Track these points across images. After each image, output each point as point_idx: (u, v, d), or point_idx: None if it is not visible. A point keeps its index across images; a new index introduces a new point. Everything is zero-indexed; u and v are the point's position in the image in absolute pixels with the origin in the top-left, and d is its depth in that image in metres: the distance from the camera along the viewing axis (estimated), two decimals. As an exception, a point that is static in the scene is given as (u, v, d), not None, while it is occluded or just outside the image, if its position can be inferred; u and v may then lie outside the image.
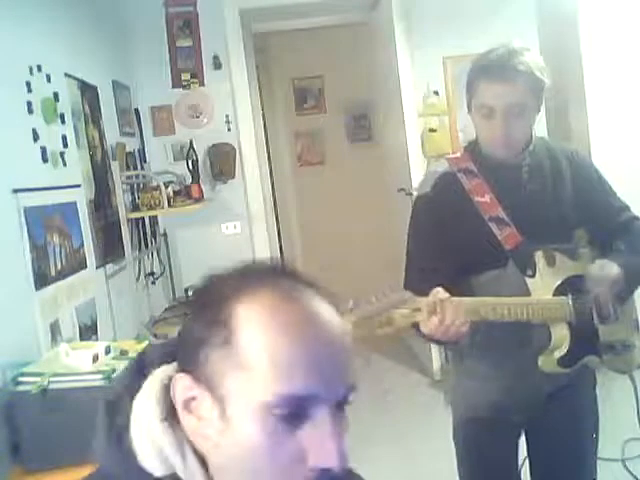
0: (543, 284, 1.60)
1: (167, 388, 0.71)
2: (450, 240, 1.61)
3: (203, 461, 0.69)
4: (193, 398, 0.68)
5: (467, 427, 1.79)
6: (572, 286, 1.61)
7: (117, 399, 0.73)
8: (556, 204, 1.65)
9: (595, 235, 1.71)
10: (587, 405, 1.79)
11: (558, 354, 1.61)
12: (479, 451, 1.78)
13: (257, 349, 0.65)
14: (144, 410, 0.71)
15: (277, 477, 0.65)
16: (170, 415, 0.70)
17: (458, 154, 1.73)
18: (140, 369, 0.75)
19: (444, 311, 1.42)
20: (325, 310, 0.69)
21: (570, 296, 1.60)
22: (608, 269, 1.60)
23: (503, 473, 1.80)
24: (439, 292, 1.44)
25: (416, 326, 1.48)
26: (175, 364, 0.74)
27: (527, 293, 1.60)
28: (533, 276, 1.60)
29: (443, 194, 1.66)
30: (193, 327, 0.69)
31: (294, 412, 0.64)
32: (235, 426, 0.65)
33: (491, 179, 1.64)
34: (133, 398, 0.72)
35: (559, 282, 1.61)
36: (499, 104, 1.54)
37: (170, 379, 0.71)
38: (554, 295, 1.61)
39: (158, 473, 0.68)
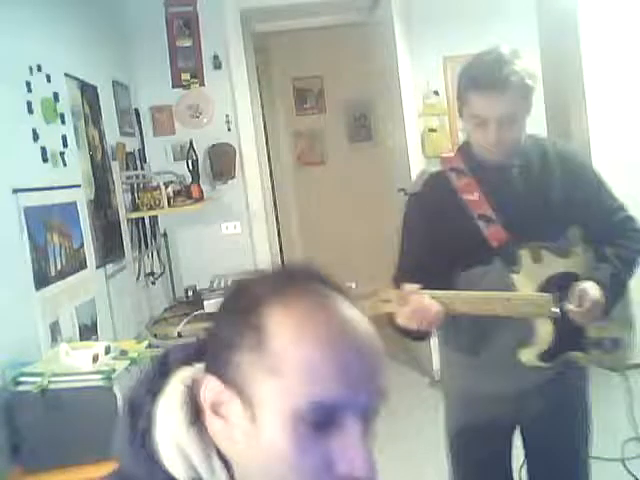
0: (527, 280, 1.63)
1: (191, 390, 0.71)
2: (439, 237, 1.65)
3: (228, 465, 0.68)
4: (222, 401, 0.67)
5: (456, 425, 1.82)
6: (560, 283, 1.63)
7: (139, 400, 0.72)
8: (546, 202, 1.66)
9: (588, 233, 1.72)
10: (577, 402, 1.80)
11: (539, 349, 1.64)
12: (469, 450, 1.80)
13: (289, 355, 0.64)
14: (169, 414, 0.70)
15: None
16: (195, 419, 0.69)
17: (452, 153, 1.76)
18: (162, 370, 0.75)
19: (414, 302, 1.49)
20: (357, 317, 0.69)
21: (555, 292, 1.62)
22: (590, 295, 1.61)
23: (494, 471, 1.82)
24: (409, 286, 1.51)
25: (391, 319, 1.54)
26: (197, 366, 0.73)
27: (512, 289, 1.63)
28: (518, 272, 1.63)
29: (432, 192, 1.71)
30: (223, 329, 0.69)
31: (324, 420, 0.64)
32: (263, 431, 0.65)
33: (481, 178, 1.67)
34: (155, 399, 0.71)
35: (544, 278, 1.64)
36: (491, 115, 1.57)
37: (193, 381, 0.71)
38: (540, 291, 1.63)
39: (182, 478, 0.67)
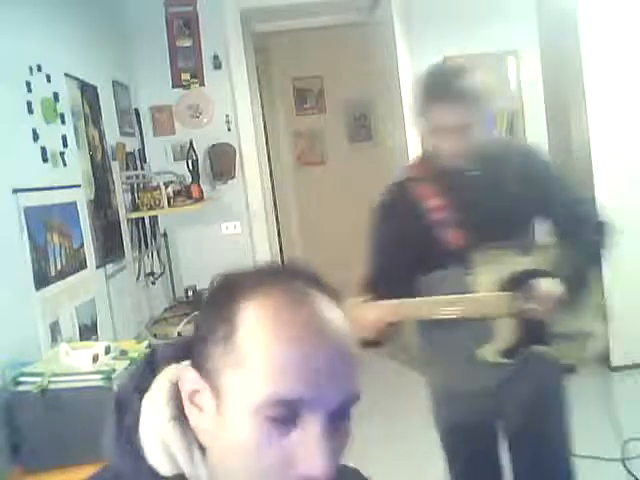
0: (482, 281, 1.68)
1: (176, 387, 0.71)
2: (402, 243, 1.72)
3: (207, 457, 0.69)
4: (197, 391, 0.68)
5: (438, 424, 1.89)
6: (521, 281, 1.67)
7: (126, 397, 0.73)
8: (506, 202, 1.71)
9: (552, 228, 1.79)
10: (550, 397, 1.82)
11: (501, 345, 1.69)
12: (453, 447, 1.87)
13: (254, 348, 0.65)
14: (153, 409, 0.71)
15: (263, 478, 0.64)
16: (179, 414, 0.70)
17: (414, 162, 1.85)
18: (150, 367, 0.76)
19: (352, 312, 1.56)
20: (333, 317, 0.68)
21: (515, 291, 1.66)
22: (547, 291, 1.66)
23: (480, 466, 1.86)
24: (353, 299, 1.59)
25: None
26: (184, 363, 0.74)
27: (471, 290, 1.68)
28: (476, 274, 1.68)
29: (396, 200, 1.79)
30: (202, 322, 0.70)
31: (284, 416, 0.64)
32: (228, 422, 0.65)
33: (441, 184, 1.74)
34: (141, 396, 0.72)
35: (502, 278, 1.68)
36: (450, 124, 1.63)
37: (178, 378, 0.72)
38: (500, 290, 1.68)
39: (166, 472, 0.68)
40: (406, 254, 1.71)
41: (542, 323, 1.70)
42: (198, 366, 0.69)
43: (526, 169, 1.74)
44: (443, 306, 1.65)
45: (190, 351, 0.72)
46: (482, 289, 1.68)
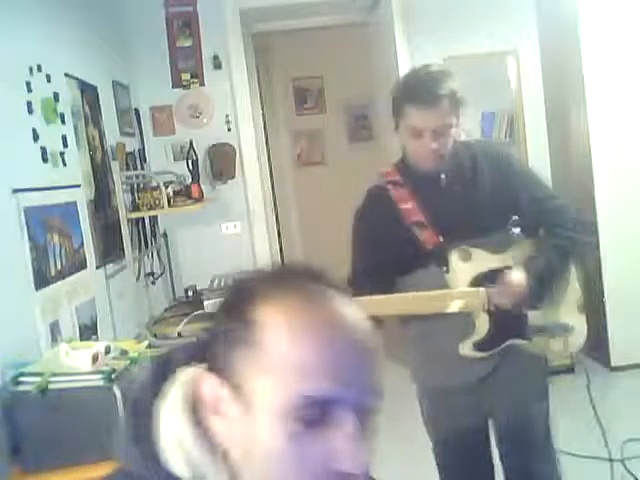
0: (458, 278, 1.75)
1: (193, 390, 0.71)
2: (382, 245, 1.79)
3: (231, 463, 0.68)
4: (221, 399, 0.68)
5: (425, 421, 1.95)
6: (494, 277, 1.73)
7: (143, 401, 0.72)
8: (478, 203, 1.77)
9: (523, 224, 1.86)
10: (533, 390, 1.86)
11: (476, 340, 1.75)
12: (441, 445, 1.93)
13: (282, 351, 0.65)
14: (172, 414, 0.70)
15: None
16: (197, 418, 0.70)
17: (389, 169, 1.91)
18: (165, 371, 0.75)
19: None
20: (353, 316, 0.69)
21: (487, 286, 1.72)
22: (511, 281, 1.71)
23: (468, 460, 1.90)
24: None
25: None
26: (199, 365, 0.74)
27: (447, 288, 1.75)
28: (450, 272, 1.76)
29: (373, 205, 1.89)
30: (221, 326, 0.70)
31: (316, 416, 0.64)
32: (258, 427, 0.65)
33: (415, 187, 1.81)
34: (158, 400, 0.72)
35: (474, 275, 1.75)
36: (427, 126, 1.70)
37: (195, 381, 0.71)
38: (473, 287, 1.74)
39: (185, 476, 0.68)
40: (386, 255, 1.76)
41: (519, 316, 1.75)
42: (217, 372, 0.68)
43: (498, 169, 1.80)
44: (419, 302, 1.71)
45: (205, 355, 0.71)
46: (459, 286, 1.74)
